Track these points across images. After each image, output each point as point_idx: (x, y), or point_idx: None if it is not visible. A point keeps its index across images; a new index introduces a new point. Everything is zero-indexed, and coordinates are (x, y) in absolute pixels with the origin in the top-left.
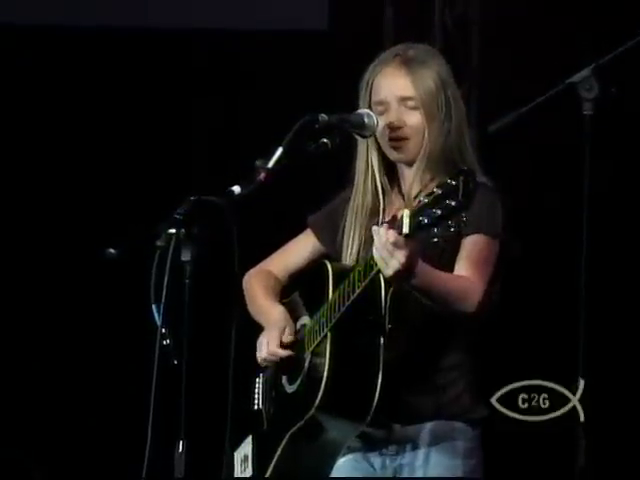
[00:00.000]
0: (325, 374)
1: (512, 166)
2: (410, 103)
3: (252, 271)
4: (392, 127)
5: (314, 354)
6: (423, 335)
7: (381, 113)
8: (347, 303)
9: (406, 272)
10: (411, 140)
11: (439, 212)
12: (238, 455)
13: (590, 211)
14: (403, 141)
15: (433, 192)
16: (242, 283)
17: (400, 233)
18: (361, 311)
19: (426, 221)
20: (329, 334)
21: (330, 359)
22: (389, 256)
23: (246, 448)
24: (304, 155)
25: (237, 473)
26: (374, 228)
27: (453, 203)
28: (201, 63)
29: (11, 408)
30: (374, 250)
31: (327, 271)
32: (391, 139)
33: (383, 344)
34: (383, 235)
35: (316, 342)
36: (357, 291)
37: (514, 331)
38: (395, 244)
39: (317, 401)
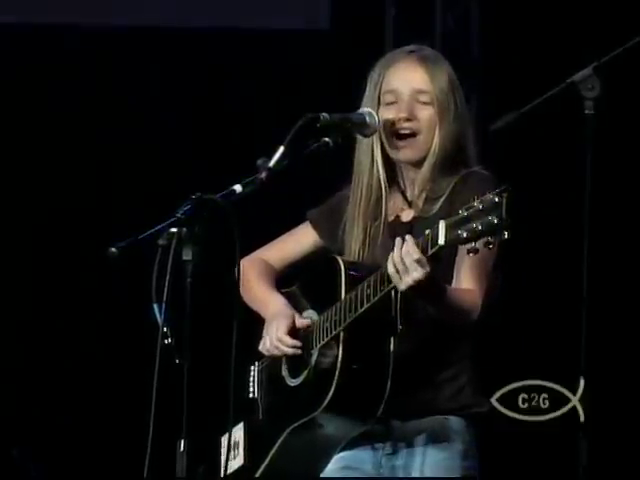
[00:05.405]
0: (337, 373)
1: (513, 166)
2: (424, 97)
3: (247, 258)
4: (403, 119)
5: (322, 351)
6: (426, 335)
7: (390, 103)
8: (366, 305)
9: (422, 289)
10: (420, 136)
11: (480, 227)
12: (225, 440)
13: (592, 211)
14: (412, 137)
15: (473, 205)
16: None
17: (435, 244)
18: (373, 312)
19: (465, 235)
20: (341, 333)
21: (342, 359)
22: (404, 271)
23: (236, 434)
24: (305, 154)
25: (224, 458)
26: (397, 239)
27: (495, 221)
28: (202, 62)
29: (12, 406)
30: (388, 262)
31: (339, 268)
32: (399, 134)
33: (394, 345)
34: (409, 248)
35: (326, 339)
36: (379, 295)
37: (514, 331)
38: (418, 261)
39: (327, 400)
